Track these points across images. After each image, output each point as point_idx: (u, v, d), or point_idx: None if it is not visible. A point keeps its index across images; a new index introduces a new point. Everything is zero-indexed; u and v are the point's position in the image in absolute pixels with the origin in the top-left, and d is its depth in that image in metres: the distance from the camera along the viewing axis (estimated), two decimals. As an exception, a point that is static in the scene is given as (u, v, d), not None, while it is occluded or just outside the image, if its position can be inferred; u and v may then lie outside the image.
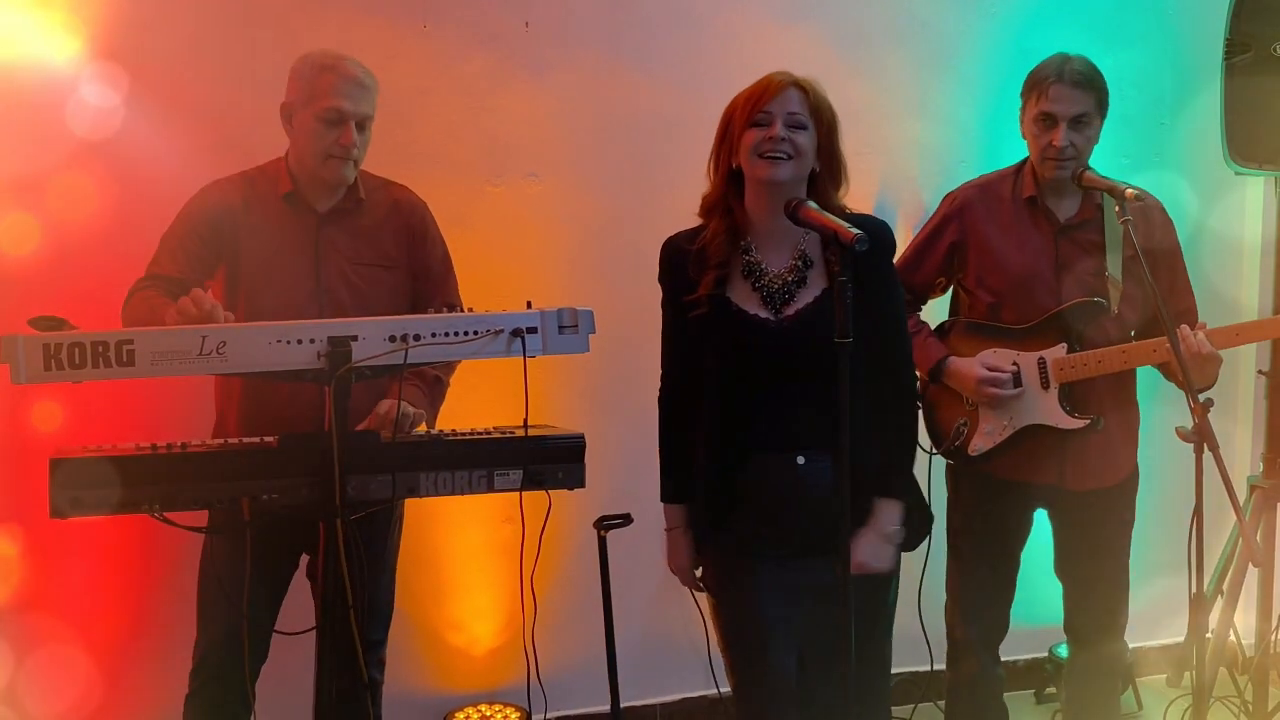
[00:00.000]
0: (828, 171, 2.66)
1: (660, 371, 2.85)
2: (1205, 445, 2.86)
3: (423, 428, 3.03)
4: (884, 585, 2.74)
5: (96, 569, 3.56)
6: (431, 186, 3.35)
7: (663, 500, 2.84)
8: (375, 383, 2.78)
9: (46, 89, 3.43)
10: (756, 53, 3.93)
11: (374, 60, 3.03)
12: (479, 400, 3.25)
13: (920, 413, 3.32)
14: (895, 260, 3.39)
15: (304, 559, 3.12)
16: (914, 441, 2.79)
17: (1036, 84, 3.20)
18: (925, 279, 3.39)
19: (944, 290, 3.44)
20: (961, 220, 3.33)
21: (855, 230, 2.31)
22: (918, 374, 3.35)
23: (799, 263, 2.68)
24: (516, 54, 3.86)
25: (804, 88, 2.61)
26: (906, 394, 2.80)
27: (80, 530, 3.29)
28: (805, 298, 2.66)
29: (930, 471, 3.28)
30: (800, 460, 2.62)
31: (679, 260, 2.72)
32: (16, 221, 3.41)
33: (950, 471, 3.43)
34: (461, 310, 3.10)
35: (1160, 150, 4.40)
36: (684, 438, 2.78)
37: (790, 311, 2.65)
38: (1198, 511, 2.92)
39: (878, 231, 2.61)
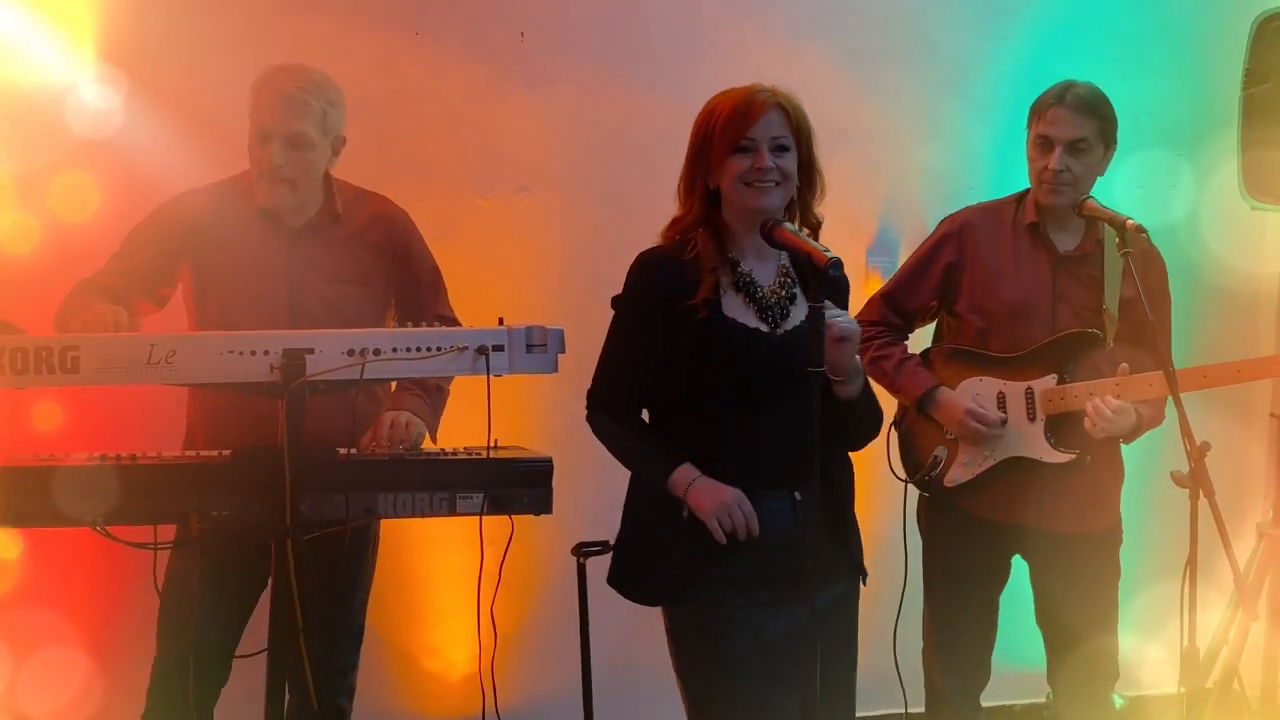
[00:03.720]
0: (807, 185, 2.57)
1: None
2: (1200, 491, 2.76)
3: (428, 441, 2.96)
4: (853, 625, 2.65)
5: (97, 571, 3.49)
6: (420, 198, 3.28)
7: (669, 473, 2.49)
8: (367, 390, 2.69)
9: (47, 90, 3.40)
10: (760, 69, 3.73)
11: (365, 67, 2.95)
12: (455, 416, 3.15)
13: (896, 441, 3.28)
14: (888, 282, 3.38)
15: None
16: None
17: (1038, 108, 3.14)
18: (919, 302, 3.28)
19: (933, 318, 3.34)
20: (960, 240, 3.24)
21: (829, 254, 2.26)
22: (902, 401, 3.27)
23: (786, 278, 2.60)
24: (511, 65, 3.80)
25: (785, 107, 2.50)
26: None
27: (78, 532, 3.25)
28: (797, 315, 2.57)
29: (905, 507, 3.18)
30: (797, 495, 2.49)
31: (669, 269, 2.53)
32: (15, 222, 3.40)
33: (924, 508, 3.31)
34: (456, 322, 3.04)
35: (1176, 182, 4.29)
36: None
37: (787, 327, 2.55)
38: (1191, 560, 2.82)
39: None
